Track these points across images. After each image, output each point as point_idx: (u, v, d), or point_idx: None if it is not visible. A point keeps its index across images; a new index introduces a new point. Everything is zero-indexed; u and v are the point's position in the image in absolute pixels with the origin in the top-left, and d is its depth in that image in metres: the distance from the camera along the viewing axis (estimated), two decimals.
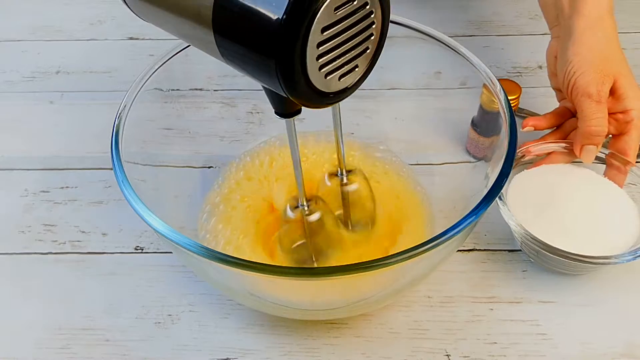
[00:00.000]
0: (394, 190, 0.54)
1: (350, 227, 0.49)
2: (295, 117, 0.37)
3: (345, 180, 0.47)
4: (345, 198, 0.48)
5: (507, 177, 0.40)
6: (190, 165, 0.55)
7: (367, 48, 0.33)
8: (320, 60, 0.30)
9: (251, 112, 0.59)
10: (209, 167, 0.56)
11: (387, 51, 0.56)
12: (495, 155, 0.46)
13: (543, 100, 0.65)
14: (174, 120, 0.54)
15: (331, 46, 0.30)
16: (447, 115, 0.56)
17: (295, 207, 0.44)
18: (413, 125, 0.56)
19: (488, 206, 0.39)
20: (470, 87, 0.50)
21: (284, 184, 0.53)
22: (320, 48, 0.30)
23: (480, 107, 0.53)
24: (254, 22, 0.29)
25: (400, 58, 0.55)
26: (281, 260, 0.47)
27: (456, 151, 0.55)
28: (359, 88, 0.60)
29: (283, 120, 0.37)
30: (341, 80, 0.33)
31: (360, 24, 0.31)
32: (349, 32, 0.31)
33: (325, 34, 0.29)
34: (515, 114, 0.53)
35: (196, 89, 0.56)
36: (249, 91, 0.58)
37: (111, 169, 0.42)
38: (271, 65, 0.29)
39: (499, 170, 0.41)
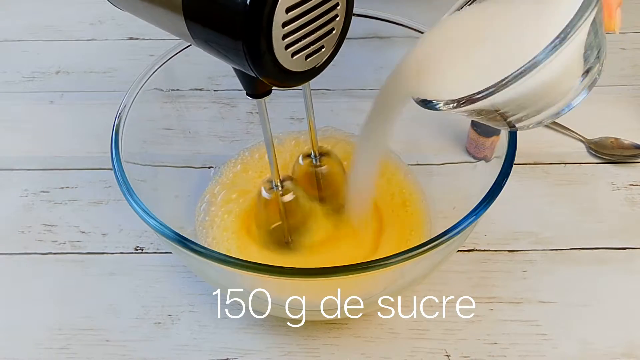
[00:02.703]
0: (393, 190, 0.54)
1: (324, 207, 0.51)
2: (266, 98, 0.38)
3: (318, 162, 0.48)
4: (318, 179, 0.49)
5: (507, 177, 0.40)
6: (190, 165, 0.55)
7: (333, 29, 0.34)
8: (286, 40, 0.31)
9: (251, 112, 0.59)
10: (209, 167, 0.56)
11: (388, 51, 0.56)
12: (495, 155, 0.46)
13: None
14: (174, 120, 0.54)
15: (296, 26, 0.31)
16: (447, 115, 0.56)
17: (269, 189, 0.45)
18: (413, 125, 0.56)
19: (488, 206, 0.39)
20: None
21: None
22: (285, 28, 0.31)
23: None
24: (221, 5, 0.30)
25: (400, 58, 0.55)
26: (258, 240, 0.49)
27: (456, 151, 0.55)
28: (360, 88, 0.60)
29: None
30: (308, 60, 0.34)
31: (324, 5, 0.32)
32: (313, 12, 0.32)
33: (289, 14, 0.31)
34: None
35: (196, 89, 0.56)
36: None
37: (111, 169, 0.42)
38: (239, 46, 0.30)
39: (499, 171, 0.41)
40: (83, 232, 0.55)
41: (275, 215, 0.46)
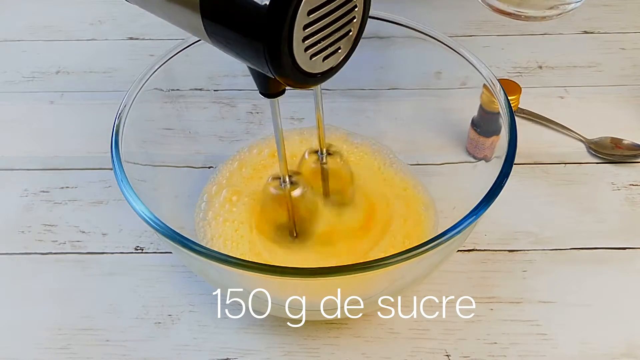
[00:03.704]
0: (394, 190, 0.54)
1: (330, 203, 0.51)
2: (280, 97, 0.38)
3: (324, 160, 0.49)
4: (325, 175, 0.49)
5: (507, 177, 0.40)
6: (190, 165, 0.55)
7: (350, 31, 0.34)
8: (306, 42, 0.32)
9: (251, 112, 0.59)
10: (209, 167, 0.56)
11: (387, 51, 0.56)
12: (495, 155, 0.46)
13: (543, 100, 0.65)
14: (174, 120, 0.54)
15: (316, 28, 0.32)
16: (447, 115, 0.56)
17: (277, 184, 0.45)
18: (413, 125, 0.56)
19: (488, 206, 0.39)
20: (470, 87, 0.50)
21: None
22: (306, 30, 0.31)
23: (480, 107, 0.53)
24: (242, 6, 0.30)
25: (400, 58, 0.55)
26: (265, 235, 0.49)
27: (456, 151, 0.55)
28: (360, 88, 0.60)
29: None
30: (325, 61, 0.34)
31: (344, 7, 0.33)
32: (333, 14, 0.32)
33: (311, 16, 0.31)
34: (515, 114, 0.53)
35: (196, 89, 0.56)
36: (249, 91, 0.58)
37: (111, 169, 0.42)
38: (259, 47, 0.30)
39: (499, 171, 0.41)
40: (83, 232, 0.55)
41: (283, 210, 0.46)
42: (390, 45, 0.53)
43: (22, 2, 0.81)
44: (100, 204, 0.57)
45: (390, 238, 0.50)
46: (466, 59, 0.48)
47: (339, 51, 0.34)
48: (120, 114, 0.45)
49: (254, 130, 0.58)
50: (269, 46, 0.30)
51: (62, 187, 0.59)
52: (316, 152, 0.49)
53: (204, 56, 0.49)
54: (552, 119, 0.63)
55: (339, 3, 0.32)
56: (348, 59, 0.36)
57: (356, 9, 0.34)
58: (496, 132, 0.47)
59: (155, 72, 0.48)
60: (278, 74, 0.32)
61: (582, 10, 0.75)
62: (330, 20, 0.32)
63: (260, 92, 0.38)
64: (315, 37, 0.32)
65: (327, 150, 0.48)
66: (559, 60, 0.70)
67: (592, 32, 0.73)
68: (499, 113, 0.46)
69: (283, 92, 0.38)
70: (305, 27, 0.31)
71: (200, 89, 0.56)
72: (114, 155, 0.42)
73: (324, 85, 0.58)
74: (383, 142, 0.57)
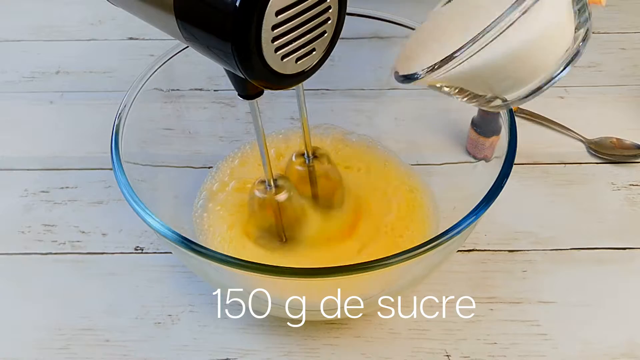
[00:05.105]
0: (393, 190, 0.54)
1: (318, 205, 0.51)
2: (258, 99, 0.38)
3: (311, 162, 0.48)
4: (312, 178, 0.49)
5: (507, 177, 0.40)
6: (190, 165, 0.55)
7: (324, 32, 0.34)
8: (275, 43, 0.31)
9: (251, 112, 0.59)
10: (209, 167, 0.56)
11: (388, 51, 0.56)
12: (495, 155, 0.46)
13: (543, 100, 0.65)
14: (174, 120, 0.54)
15: (286, 29, 0.31)
16: (447, 115, 0.56)
17: (263, 188, 0.45)
18: (413, 125, 0.56)
19: (488, 207, 0.39)
20: None
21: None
22: (275, 31, 0.31)
23: None
24: (211, 6, 0.30)
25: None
26: (254, 239, 0.49)
27: (456, 151, 0.55)
28: (360, 88, 0.60)
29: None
30: (298, 62, 0.34)
31: (316, 8, 0.32)
32: (304, 15, 0.32)
33: (279, 17, 0.30)
34: (515, 114, 0.53)
35: (196, 89, 0.56)
36: None
37: (111, 169, 0.42)
38: (228, 47, 0.30)
39: (499, 171, 0.41)
40: (83, 232, 0.55)
41: (270, 214, 0.46)
42: (390, 45, 0.53)
43: (22, 2, 0.80)
44: (100, 204, 0.57)
45: (390, 239, 0.50)
46: None
47: (314, 53, 0.34)
48: (120, 114, 0.45)
49: (253, 130, 0.58)
50: (237, 47, 0.30)
51: (62, 187, 0.59)
52: (303, 154, 0.48)
53: (203, 56, 0.49)
54: (552, 119, 0.63)
55: (310, 4, 0.32)
56: (325, 60, 0.35)
57: (330, 10, 0.33)
58: (496, 132, 0.47)
59: (155, 72, 0.48)
60: (248, 75, 0.32)
61: None
62: (301, 21, 0.32)
63: (238, 94, 0.38)
64: (285, 37, 0.32)
65: (313, 153, 0.48)
66: None
67: (592, 32, 0.73)
68: (499, 113, 0.46)
69: (261, 93, 0.38)
70: (274, 27, 0.31)
71: (200, 89, 0.56)
72: (114, 155, 0.42)
73: (323, 85, 0.58)
74: (383, 142, 0.57)
